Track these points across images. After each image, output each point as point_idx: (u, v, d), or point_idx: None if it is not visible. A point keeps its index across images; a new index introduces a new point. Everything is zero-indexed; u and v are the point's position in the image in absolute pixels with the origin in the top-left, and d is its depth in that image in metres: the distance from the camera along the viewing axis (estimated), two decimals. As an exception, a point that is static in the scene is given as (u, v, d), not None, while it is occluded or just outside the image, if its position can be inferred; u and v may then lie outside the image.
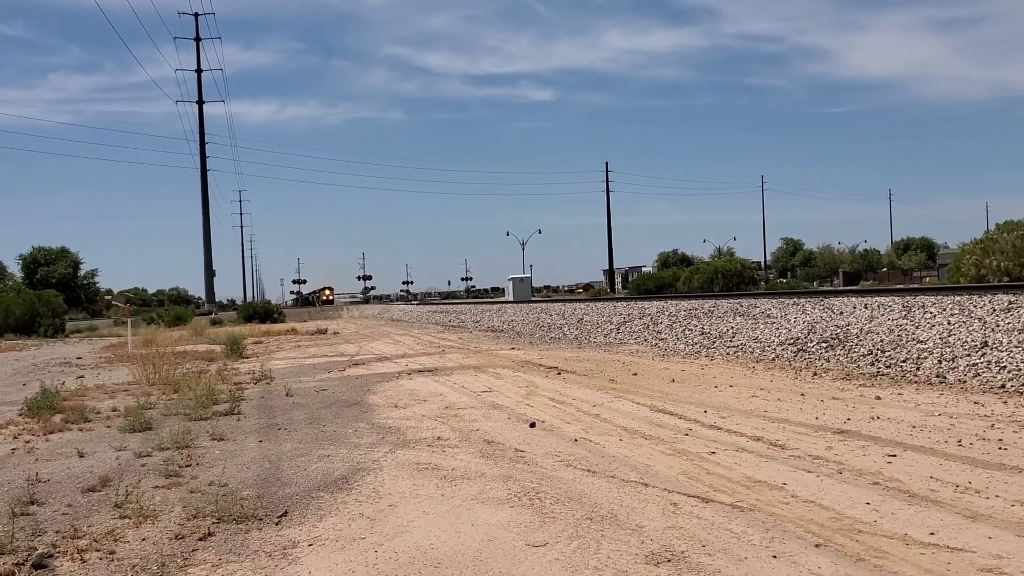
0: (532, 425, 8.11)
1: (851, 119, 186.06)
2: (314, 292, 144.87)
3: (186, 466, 6.74)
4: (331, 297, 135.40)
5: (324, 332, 31.60)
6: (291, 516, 5.18)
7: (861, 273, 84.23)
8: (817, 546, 4.18)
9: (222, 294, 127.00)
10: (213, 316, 52.57)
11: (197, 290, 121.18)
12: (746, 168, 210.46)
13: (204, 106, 68.01)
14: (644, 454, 6.56)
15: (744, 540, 4.33)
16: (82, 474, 6.59)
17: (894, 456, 6.02)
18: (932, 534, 4.27)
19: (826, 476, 5.56)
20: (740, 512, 4.82)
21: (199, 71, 67.88)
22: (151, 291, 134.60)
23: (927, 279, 69.33)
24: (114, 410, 10.27)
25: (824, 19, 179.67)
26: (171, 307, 65.05)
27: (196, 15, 66.97)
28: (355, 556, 4.40)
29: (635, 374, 12.09)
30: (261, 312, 49.22)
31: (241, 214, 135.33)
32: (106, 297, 79.53)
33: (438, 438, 7.69)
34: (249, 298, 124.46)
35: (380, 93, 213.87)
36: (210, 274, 68.27)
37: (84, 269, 77.61)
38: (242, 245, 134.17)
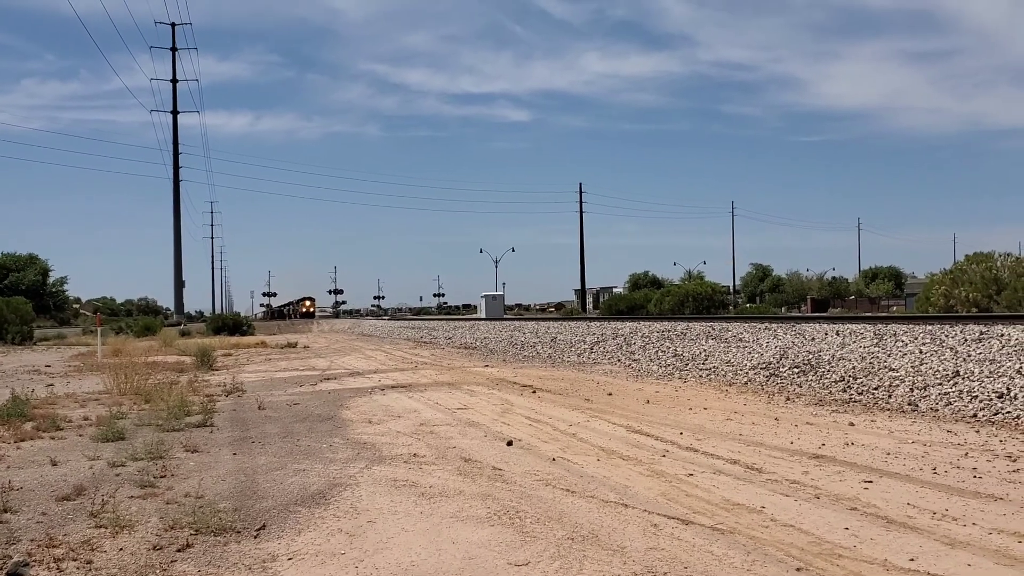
0: (509, 443, 8.10)
1: (823, 148, 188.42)
2: (290, 303, 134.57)
3: (161, 477, 6.67)
4: (311, 309, 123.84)
5: (294, 346, 31.40)
6: (269, 530, 5.14)
7: (829, 300, 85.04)
8: (799, 570, 4.21)
9: (191, 305, 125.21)
10: (182, 327, 52.07)
11: (166, 300, 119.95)
12: (718, 193, 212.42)
13: (179, 116, 67.63)
14: (623, 475, 6.58)
15: (725, 563, 4.35)
16: (56, 483, 6.50)
17: (870, 482, 6.08)
18: (912, 560, 4.32)
19: (804, 500, 5.60)
20: (720, 534, 4.84)
21: (174, 81, 67.51)
22: (119, 300, 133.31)
23: (895, 308, 70.16)
24: (85, 419, 10.15)
25: (799, 48, 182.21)
26: (140, 317, 64.41)
27: (173, 25, 66.63)
28: (336, 571, 4.37)
29: (610, 394, 12.12)
30: (231, 324, 48.84)
31: (212, 225, 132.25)
32: (74, 306, 78.64)
33: (414, 455, 7.66)
34: (218, 310, 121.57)
35: (357, 108, 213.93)
36: (180, 285, 67.64)
37: (53, 277, 76.66)
38: (212, 256, 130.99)
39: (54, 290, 76.52)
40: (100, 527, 5.12)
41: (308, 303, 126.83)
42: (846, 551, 4.49)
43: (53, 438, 8.81)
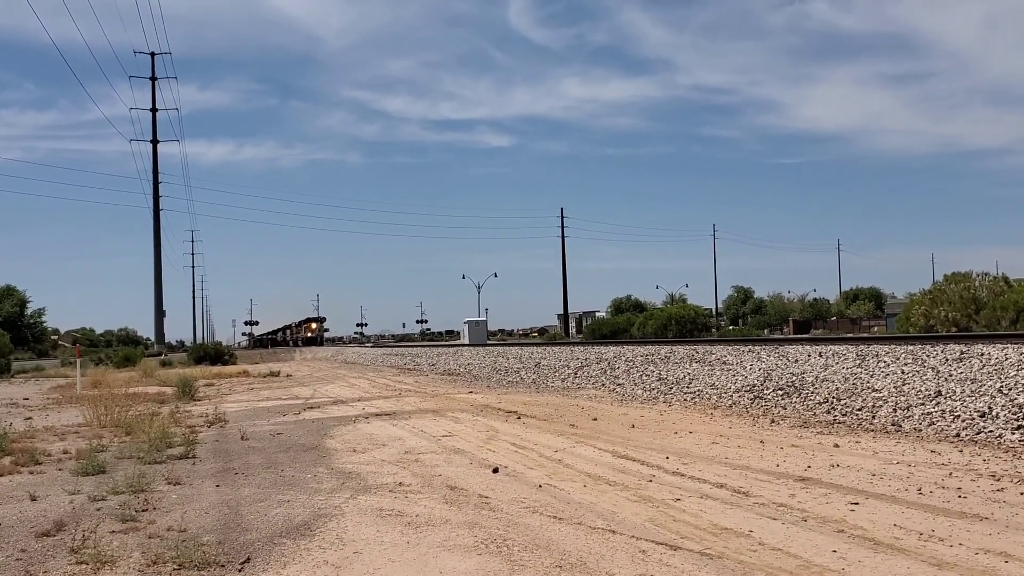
0: (495, 471, 8.06)
1: (802, 170, 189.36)
2: (287, 328, 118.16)
3: (143, 511, 6.59)
4: (318, 333, 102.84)
5: (277, 375, 31.23)
6: (254, 563, 5.08)
7: (811, 322, 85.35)
8: (787, 594, 4.19)
9: (172, 335, 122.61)
10: (163, 357, 51.76)
11: (146, 331, 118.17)
12: (699, 216, 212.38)
13: (159, 145, 67.41)
14: (609, 500, 6.55)
15: (714, 588, 4.33)
16: (35, 518, 6.41)
17: (857, 504, 6.08)
18: (900, 582, 4.31)
19: (791, 523, 5.59)
20: (709, 559, 4.82)
21: (154, 110, 67.35)
22: (99, 331, 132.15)
23: (875, 328, 70.46)
24: (65, 452, 10.03)
25: (777, 72, 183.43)
26: (120, 348, 63.93)
27: (152, 54, 66.62)
28: (322, 604, 4.32)
29: (595, 419, 12.10)
30: (212, 353, 48.56)
31: (193, 254, 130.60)
32: (52, 337, 77.98)
33: (400, 483, 7.61)
34: (199, 339, 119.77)
35: (339, 135, 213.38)
36: (160, 315, 67.17)
37: (31, 308, 76.14)
38: (193, 286, 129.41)
39: (32, 321, 75.99)
40: (81, 563, 5.04)
41: (314, 326, 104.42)
42: (834, 574, 4.48)
43: (32, 472, 8.70)
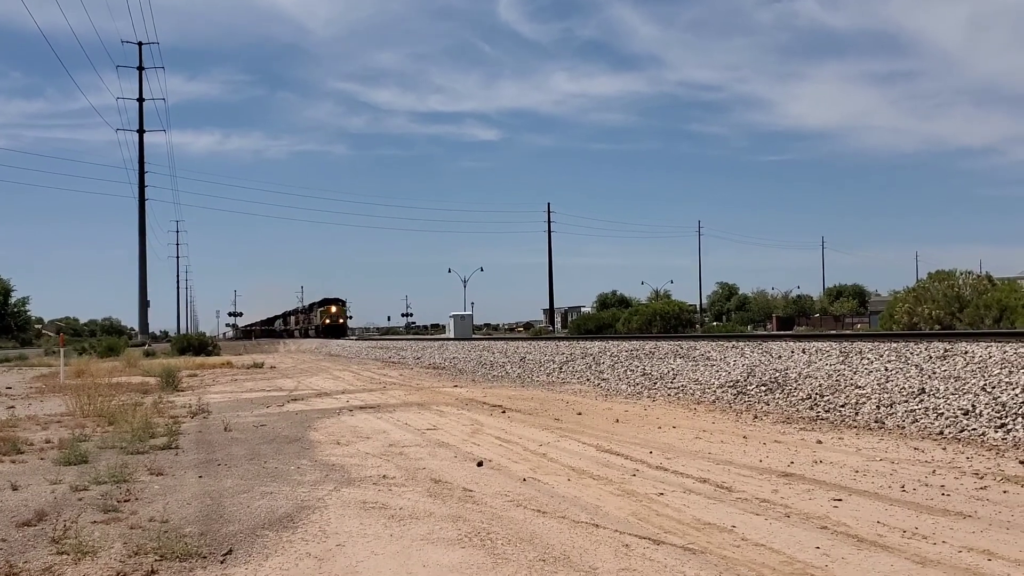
0: (479, 464, 8.05)
1: (788, 167, 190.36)
2: (287, 315, 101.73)
3: (125, 501, 6.55)
4: (341, 319, 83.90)
5: (261, 366, 31.09)
6: (236, 555, 5.06)
7: (795, 318, 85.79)
8: (770, 589, 4.20)
9: (156, 325, 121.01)
10: (147, 347, 51.53)
11: (130, 320, 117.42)
12: (685, 212, 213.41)
13: (145, 135, 67.02)
14: (593, 495, 6.55)
15: (698, 583, 4.33)
16: (16, 508, 6.36)
17: (840, 500, 6.10)
18: (882, 578, 4.32)
19: (774, 519, 5.60)
20: (692, 554, 4.83)
21: (141, 100, 66.97)
22: (83, 321, 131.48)
23: (858, 325, 70.92)
24: (47, 442, 9.96)
25: (764, 69, 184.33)
26: (103, 337, 63.53)
27: (140, 44, 66.20)
28: (305, 596, 4.30)
29: (579, 413, 12.10)
30: (196, 344, 48.33)
31: (178, 244, 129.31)
32: (36, 326, 77.48)
33: (384, 476, 7.59)
34: (183, 330, 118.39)
35: (326, 127, 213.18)
36: (144, 305, 66.89)
37: (15, 297, 75.61)
38: (177, 276, 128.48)
39: (16, 310, 75.45)
40: (62, 554, 5.00)
41: (334, 309, 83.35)
42: (818, 571, 4.49)
43: (14, 462, 8.64)
